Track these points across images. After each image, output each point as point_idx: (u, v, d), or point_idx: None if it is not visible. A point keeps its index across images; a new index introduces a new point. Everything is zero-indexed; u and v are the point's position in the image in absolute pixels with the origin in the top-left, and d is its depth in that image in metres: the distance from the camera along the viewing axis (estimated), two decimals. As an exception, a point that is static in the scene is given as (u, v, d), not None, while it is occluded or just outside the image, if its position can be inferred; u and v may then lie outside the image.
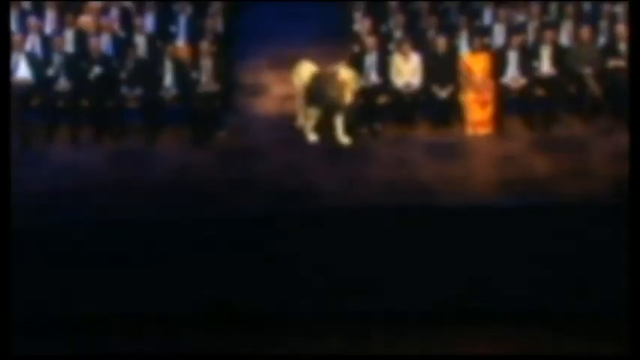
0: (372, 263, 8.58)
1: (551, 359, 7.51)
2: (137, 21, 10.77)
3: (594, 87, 10.05)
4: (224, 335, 8.13)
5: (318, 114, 9.82)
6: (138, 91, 10.06)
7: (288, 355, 7.54)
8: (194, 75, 10.13)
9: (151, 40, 10.63)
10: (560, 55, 10.26)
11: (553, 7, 11.16)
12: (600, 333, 7.83)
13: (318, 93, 9.72)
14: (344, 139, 9.77)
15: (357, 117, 9.97)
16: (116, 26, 10.86)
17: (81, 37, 10.47)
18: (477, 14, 11.11)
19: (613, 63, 10.15)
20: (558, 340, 7.81)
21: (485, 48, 10.43)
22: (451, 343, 7.80)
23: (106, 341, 7.98)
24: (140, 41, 10.55)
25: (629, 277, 6.81)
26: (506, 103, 10.06)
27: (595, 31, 10.46)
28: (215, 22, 10.96)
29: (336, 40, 11.23)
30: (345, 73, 9.75)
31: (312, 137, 9.85)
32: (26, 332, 7.70)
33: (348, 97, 9.70)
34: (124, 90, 10.08)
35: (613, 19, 10.70)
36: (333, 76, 9.72)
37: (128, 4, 11.19)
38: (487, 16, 11.11)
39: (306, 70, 9.95)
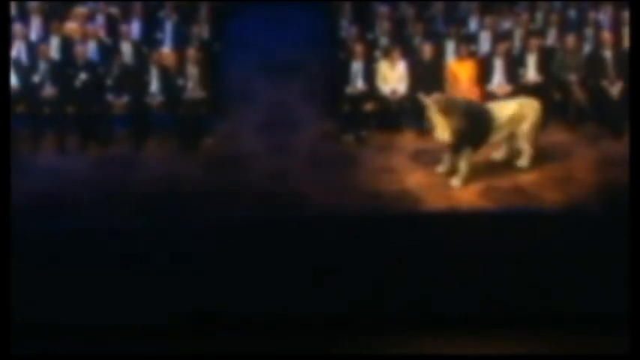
0: (361, 269, 8.59)
1: (551, 359, 7.54)
2: (123, 27, 10.73)
3: (580, 94, 10.10)
4: (216, 341, 8.15)
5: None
6: (124, 97, 10.05)
7: (281, 354, 7.58)
8: (180, 81, 10.12)
9: (137, 47, 10.60)
10: (545, 63, 10.30)
11: (539, 14, 11.21)
12: (600, 333, 7.86)
13: None
14: None
15: (343, 124, 9.99)
16: (102, 33, 10.81)
17: (66, 44, 10.43)
18: (463, 21, 11.14)
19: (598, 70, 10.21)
20: (559, 340, 7.84)
21: (471, 55, 10.46)
22: (451, 344, 7.84)
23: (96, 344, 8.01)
24: (126, 48, 10.52)
25: (629, 278, 6.87)
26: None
27: (580, 38, 10.51)
28: (201, 29, 10.94)
29: (322, 47, 11.25)
30: None
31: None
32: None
33: None
34: (110, 97, 10.06)
35: (598, 26, 10.76)
36: None
37: (114, 11, 11.17)
38: (473, 24, 11.13)
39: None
